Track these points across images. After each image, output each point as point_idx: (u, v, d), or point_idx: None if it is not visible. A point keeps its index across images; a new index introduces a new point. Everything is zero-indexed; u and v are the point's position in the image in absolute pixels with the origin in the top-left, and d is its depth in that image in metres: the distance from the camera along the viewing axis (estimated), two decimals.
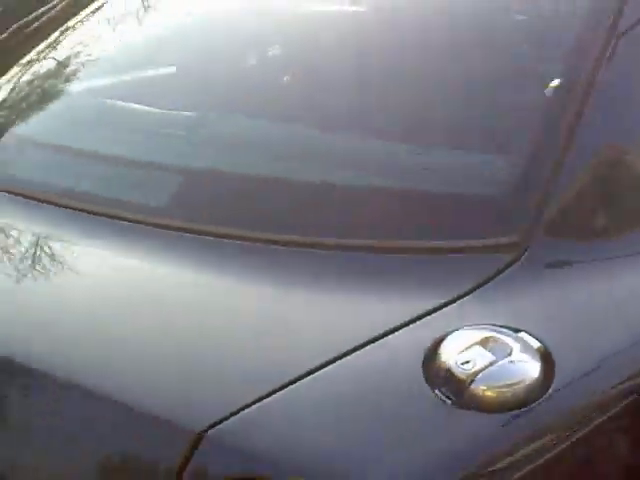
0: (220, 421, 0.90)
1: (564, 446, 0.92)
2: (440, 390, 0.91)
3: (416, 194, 1.17)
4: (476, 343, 0.94)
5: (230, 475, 0.88)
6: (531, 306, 1.03)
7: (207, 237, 1.19)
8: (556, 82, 1.21)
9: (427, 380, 0.92)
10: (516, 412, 0.89)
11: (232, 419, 0.90)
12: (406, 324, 0.99)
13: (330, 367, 0.93)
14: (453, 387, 0.91)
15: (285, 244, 1.15)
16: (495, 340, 0.95)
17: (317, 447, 0.88)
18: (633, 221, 1.14)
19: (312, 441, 0.89)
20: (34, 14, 1.99)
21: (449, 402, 0.90)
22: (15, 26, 1.93)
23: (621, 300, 1.05)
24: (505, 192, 1.15)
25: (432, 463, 0.87)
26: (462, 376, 0.91)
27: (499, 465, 0.89)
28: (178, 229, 1.21)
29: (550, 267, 1.07)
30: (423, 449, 0.88)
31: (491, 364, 0.91)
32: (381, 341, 0.97)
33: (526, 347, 0.94)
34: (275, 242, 1.15)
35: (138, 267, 1.19)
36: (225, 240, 1.17)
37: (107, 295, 1.14)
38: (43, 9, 2.03)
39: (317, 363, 0.94)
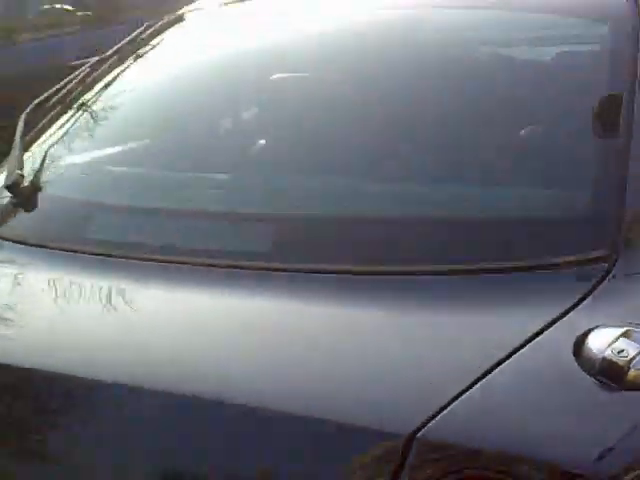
0: (427, 421, 1.03)
1: None
2: (598, 377, 1.08)
3: (525, 221, 1.40)
4: (621, 336, 1.11)
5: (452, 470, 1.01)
6: (636, 305, 1.24)
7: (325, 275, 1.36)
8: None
9: (583, 370, 1.09)
10: None
11: (438, 418, 1.03)
12: (546, 327, 1.16)
13: (503, 365, 1.10)
14: (612, 373, 1.07)
15: (409, 273, 1.34)
16: (633, 333, 1.13)
17: (525, 434, 1.03)
18: None
19: (519, 429, 1.04)
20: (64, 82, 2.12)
21: (614, 386, 1.07)
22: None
23: None
24: (591, 216, 1.39)
25: (616, 439, 1.03)
26: (621, 363, 1.08)
27: None
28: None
29: (637, 274, 1.29)
30: (607, 427, 1.05)
31: None
32: (532, 343, 1.14)
33: None
34: (402, 273, 1.34)
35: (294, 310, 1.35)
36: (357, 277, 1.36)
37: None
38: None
39: (491, 364, 1.10)
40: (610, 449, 1.01)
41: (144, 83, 2.08)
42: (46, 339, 1.31)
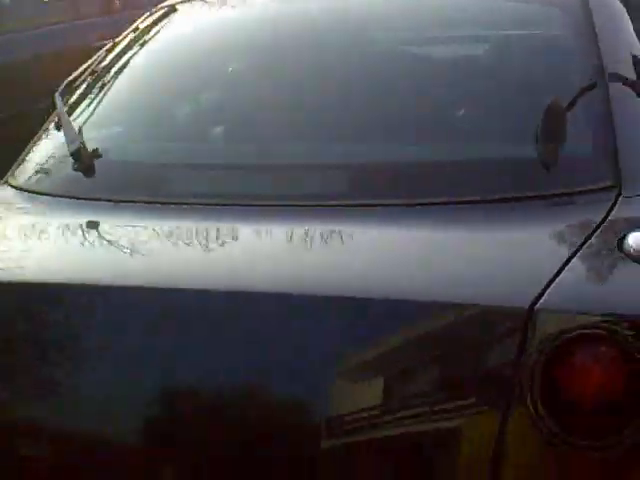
0: (542, 293, 1.33)
1: None
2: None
3: (550, 162, 1.77)
4: None
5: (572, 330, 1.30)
6: None
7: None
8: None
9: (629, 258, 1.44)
10: None
11: (550, 289, 1.34)
12: (593, 232, 1.53)
13: (576, 256, 1.45)
14: None
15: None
16: None
17: (620, 298, 1.38)
18: None
19: (615, 294, 1.41)
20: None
21: None
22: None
23: None
24: (600, 155, 1.79)
25: None
26: None
27: None
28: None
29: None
30: None
31: None
32: (589, 242, 1.50)
33: None
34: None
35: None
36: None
37: None
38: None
39: (568, 254, 1.46)
40: None
41: (166, 57, 2.34)
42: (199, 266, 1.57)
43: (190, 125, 2.09)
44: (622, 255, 1.45)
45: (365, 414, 1.35)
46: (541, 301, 1.32)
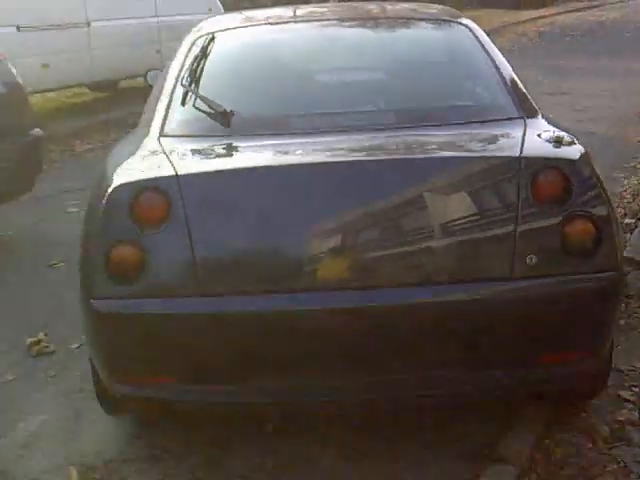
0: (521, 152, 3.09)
1: None
2: (553, 143, 3.16)
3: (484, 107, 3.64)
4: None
5: None
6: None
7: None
8: None
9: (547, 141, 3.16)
10: None
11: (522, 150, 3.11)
12: (523, 133, 3.24)
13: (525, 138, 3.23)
14: (556, 140, 3.15)
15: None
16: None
17: None
18: None
19: None
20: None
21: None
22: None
23: None
24: (515, 103, 3.51)
25: None
26: (559, 136, 3.15)
27: None
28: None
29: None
30: None
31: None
32: (526, 134, 3.28)
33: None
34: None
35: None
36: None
37: None
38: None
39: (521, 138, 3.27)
40: None
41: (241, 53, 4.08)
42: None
43: (271, 96, 3.69)
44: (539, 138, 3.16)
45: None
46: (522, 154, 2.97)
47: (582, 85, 12.00)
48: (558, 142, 3.07)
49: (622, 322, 4.09)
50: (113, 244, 2.86)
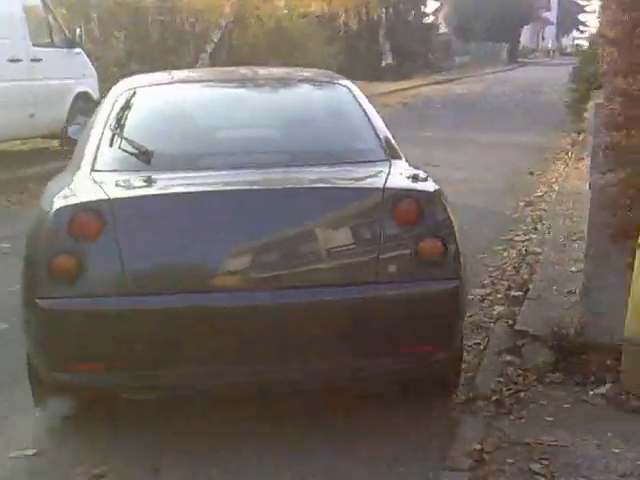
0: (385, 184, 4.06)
1: None
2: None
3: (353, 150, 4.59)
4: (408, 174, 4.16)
5: None
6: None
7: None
8: None
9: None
10: None
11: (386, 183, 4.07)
12: (388, 174, 4.11)
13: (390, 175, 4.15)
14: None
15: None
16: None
17: None
18: None
19: None
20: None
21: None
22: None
23: None
24: (381, 148, 4.50)
25: None
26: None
27: None
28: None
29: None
30: None
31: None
32: (390, 171, 4.21)
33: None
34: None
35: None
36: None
37: None
38: None
39: (386, 173, 4.22)
40: None
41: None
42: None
43: (183, 140, 4.56)
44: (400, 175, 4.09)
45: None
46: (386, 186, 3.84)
47: (452, 157, 12.45)
48: (415, 178, 4.03)
49: (522, 395, 4.24)
50: (55, 253, 3.63)
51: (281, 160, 4.22)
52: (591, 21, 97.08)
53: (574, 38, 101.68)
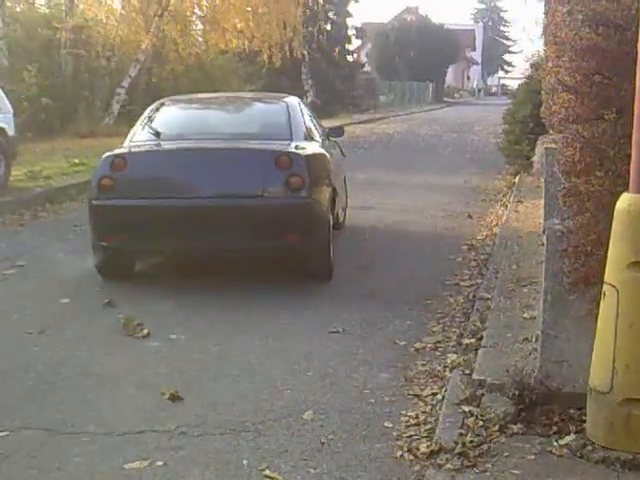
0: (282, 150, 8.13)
1: None
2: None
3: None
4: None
5: None
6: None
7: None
8: None
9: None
10: None
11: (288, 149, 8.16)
12: (288, 143, 8.07)
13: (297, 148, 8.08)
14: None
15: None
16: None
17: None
18: None
19: None
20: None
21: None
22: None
23: None
24: (286, 133, 8.42)
25: None
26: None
27: None
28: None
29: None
30: None
31: None
32: (300, 143, 8.26)
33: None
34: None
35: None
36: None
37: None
38: None
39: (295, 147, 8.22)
40: None
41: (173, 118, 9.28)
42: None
43: (178, 128, 8.85)
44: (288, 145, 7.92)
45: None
46: (274, 149, 7.84)
47: (385, 199, 12.68)
48: (296, 147, 7.87)
49: (485, 447, 4.32)
50: (102, 177, 7.59)
51: (225, 137, 8.26)
52: (517, 61, 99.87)
53: (499, 78, 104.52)
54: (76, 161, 15.36)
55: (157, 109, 8.98)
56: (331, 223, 8.20)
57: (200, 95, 11.35)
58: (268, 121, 8.84)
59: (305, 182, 7.39)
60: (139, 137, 8.36)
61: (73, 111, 22.48)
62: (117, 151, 7.90)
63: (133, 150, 8.00)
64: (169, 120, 8.90)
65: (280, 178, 7.40)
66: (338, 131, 10.65)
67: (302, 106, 9.53)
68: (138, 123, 8.69)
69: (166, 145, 8.14)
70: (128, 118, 23.70)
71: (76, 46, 23.54)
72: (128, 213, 7.48)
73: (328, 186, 8.23)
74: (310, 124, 9.33)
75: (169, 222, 7.42)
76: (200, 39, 29.06)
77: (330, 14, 43.10)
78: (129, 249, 7.76)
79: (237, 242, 7.57)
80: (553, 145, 5.53)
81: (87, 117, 22.65)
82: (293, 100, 9.36)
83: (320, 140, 9.18)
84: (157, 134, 8.28)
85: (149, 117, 8.75)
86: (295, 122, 8.54)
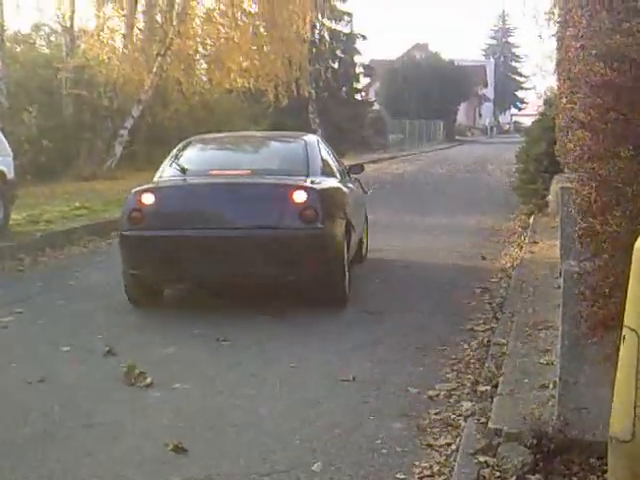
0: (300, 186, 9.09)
1: None
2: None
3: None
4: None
5: None
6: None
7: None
8: None
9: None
10: None
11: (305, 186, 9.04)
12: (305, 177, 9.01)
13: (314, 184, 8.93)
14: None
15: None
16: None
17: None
18: None
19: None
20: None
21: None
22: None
23: None
24: (304, 170, 9.21)
25: None
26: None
27: None
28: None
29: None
30: None
31: None
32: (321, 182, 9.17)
33: None
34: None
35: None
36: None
37: None
38: None
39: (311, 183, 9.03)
40: None
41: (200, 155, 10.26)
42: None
43: (203, 164, 9.77)
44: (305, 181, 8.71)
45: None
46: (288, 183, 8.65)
47: (395, 242, 12.66)
48: (312, 182, 8.64)
49: None
50: (131, 211, 8.47)
51: (246, 173, 9.11)
52: (529, 98, 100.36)
53: (512, 115, 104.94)
54: (77, 204, 15.45)
55: (184, 147, 9.90)
56: (346, 253, 8.80)
57: (223, 134, 12.62)
58: (287, 158, 9.62)
59: (319, 214, 8.18)
60: (167, 173, 9.28)
61: (74, 153, 22.67)
62: (146, 186, 8.78)
63: (160, 185, 8.94)
64: (194, 157, 9.79)
65: (295, 210, 8.19)
66: (357, 168, 11.23)
67: (321, 144, 10.29)
68: (166, 161, 9.63)
69: (191, 180, 9.00)
70: (131, 160, 23.97)
71: (77, 86, 23.77)
72: (154, 243, 8.36)
73: (343, 219, 8.91)
74: (329, 160, 10.11)
75: (192, 251, 8.28)
76: (204, 78, 29.27)
77: (338, 52, 43.51)
78: (155, 276, 8.68)
79: (254, 270, 8.32)
80: (568, 184, 5.53)
81: (89, 159, 22.83)
82: (312, 138, 10.44)
83: (339, 176, 9.99)
84: (183, 170, 9.19)
85: (176, 155, 9.65)
86: (312, 158, 9.38)
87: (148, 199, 8.42)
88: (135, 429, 5.41)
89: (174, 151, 9.85)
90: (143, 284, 8.69)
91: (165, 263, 8.40)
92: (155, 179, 9.27)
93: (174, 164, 9.41)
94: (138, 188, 8.68)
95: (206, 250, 8.28)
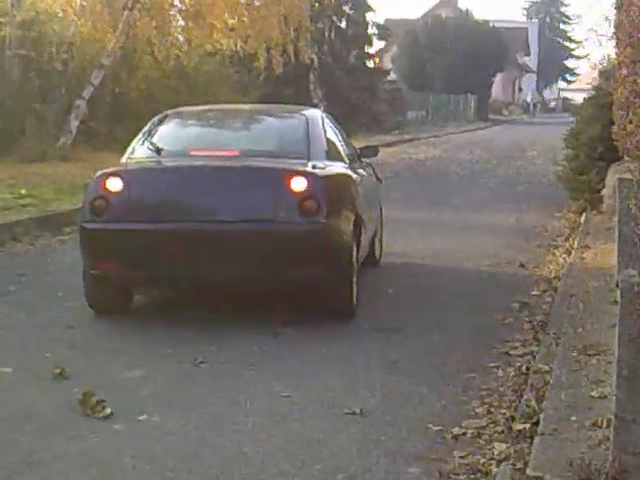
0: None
1: None
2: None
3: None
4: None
5: None
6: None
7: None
8: None
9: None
10: None
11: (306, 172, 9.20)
12: (306, 161, 8.91)
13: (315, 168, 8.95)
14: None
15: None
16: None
17: None
18: None
19: None
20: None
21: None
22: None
23: None
24: (304, 150, 9.18)
25: None
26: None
27: None
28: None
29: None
30: None
31: None
32: (322, 162, 9.24)
33: None
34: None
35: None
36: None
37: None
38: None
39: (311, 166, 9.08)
40: None
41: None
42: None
43: (181, 143, 9.89)
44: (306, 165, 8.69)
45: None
46: (286, 168, 8.65)
47: (418, 244, 12.69)
48: (314, 167, 8.61)
49: None
50: (94, 199, 8.39)
51: (233, 154, 9.08)
52: (582, 68, 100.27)
53: (559, 90, 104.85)
54: (22, 192, 15.44)
55: (159, 123, 9.84)
56: (354, 255, 8.78)
57: (206, 107, 12.18)
58: (283, 136, 9.71)
59: (321, 206, 8.13)
60: (138, 153, 9.23)
61: (20, 128, 22.56)
62: (112, 169, 8.70)
63: (129, 168, 8.88)
64: (171, 135, 9.84)
65: (293, 201, 8.14)
66: (371, 151, 11.14)
67: (326, 121, 10.22)
68: (137, 138, 9.55)
69: (167, 162, 9.02)
70: (89, 137, 23.95)
71: (24, 46, 23.73)
72: (122, 238, 8.30)
73: (351, 212, 8.93)
74: (335, 141, 10.10)
75: (166, 249, 8.25)
76: (181, 38, 29.20)
77: (345, 8, 43.51)
78: (122, 279, 8.61)
79: (245, 272, 8.34)
80: (629, 175, 5.54)
81: (37, 136, 22.73)
82: (314, 113, 10.60)
83: (347, 160, 9.95)
84: (158, 150, 9.09)
85: (150, 132, 9.61)
86: (315, 138, 9.37)
87: (115, 185, 8.30)
88: (90, 471, 5.40)
89: (147, 127, 9.78)
90: (108, 288, 8.64)
91: (134, 262, 8.35)
92: (123, 160, 9.19)
93: (146, 143, 9.36)
94: (103, 171, 8.58)
95: (183, 248, 8.23)
